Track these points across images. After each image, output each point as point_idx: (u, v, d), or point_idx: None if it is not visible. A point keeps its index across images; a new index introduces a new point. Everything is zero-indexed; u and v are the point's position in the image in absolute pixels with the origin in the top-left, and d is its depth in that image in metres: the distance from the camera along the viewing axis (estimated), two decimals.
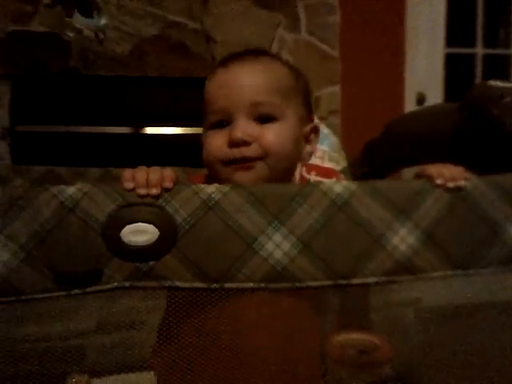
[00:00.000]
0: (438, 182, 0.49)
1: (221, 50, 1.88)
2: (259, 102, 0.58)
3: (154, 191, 0.43)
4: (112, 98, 1.79)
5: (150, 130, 1.81)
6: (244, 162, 0.57)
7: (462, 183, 0.49)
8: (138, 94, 1.80)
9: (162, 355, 0.52)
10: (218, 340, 0.52)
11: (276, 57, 0.67)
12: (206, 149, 0.60)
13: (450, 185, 0.48)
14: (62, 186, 0.42)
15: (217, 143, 0.58)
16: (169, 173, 0.46)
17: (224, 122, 0.59)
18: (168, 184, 0.44)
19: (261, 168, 0.58)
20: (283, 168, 0.60)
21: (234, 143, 0.57)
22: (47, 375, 0.55)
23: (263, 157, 0.58)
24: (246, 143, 0.56)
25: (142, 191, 0.43)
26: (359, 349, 0.91)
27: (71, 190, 0.43)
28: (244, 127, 0.57)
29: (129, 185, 0.44)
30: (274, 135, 0.58)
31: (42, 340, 0.59)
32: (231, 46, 1.89)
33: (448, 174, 0.49)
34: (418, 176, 0.51)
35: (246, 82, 0.59)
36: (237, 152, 0.57)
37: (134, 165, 0.64)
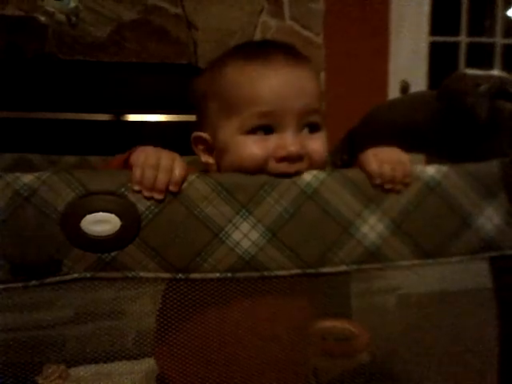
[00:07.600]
0: (376, 182, 0.47)
1: (202, 36, 1.84)
2: (314, 110, 0.54)
3: (159, 197, 0.43)
4: (90, 83, 1.75)
5: (129, 117, 1.78)
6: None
7: (398, 188, 0.48)
8: (116, 79, 1.76)
9: (163, 344, 0.51)
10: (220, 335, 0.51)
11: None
12: (238, 155, 0.53)
13: (387, 187, 0.47)
14: (17, 174, 0.41)
15: (257, 152, 0.52)
16: (180, 172, 0.44)
17: (266, 127, 0.52)
18: (174, 188, 0.44)
19: None
20: None
21: (289, 159, 0.51)
22: (22, 365, 0.54)
23: (308, 169, 0.52)
24: (300, 158, 0.51)
25: (147, 194, 0.43)
26: (336, 337, 0.92)
27: (27, 177, 0.41)
28: (297, 140, 0.52)
29: (136, 187, 0.43)
30: (320, 148, 0.54)
31: (10, 331, 0.57)
32: (213, 32, 1.86)
33: (388, 174, 0.47)
34: (360, 167, 0.49)
35: (302, 86, 0.53)
36: (291, 168, 0.50)
37: (113, 153, 0.61)
